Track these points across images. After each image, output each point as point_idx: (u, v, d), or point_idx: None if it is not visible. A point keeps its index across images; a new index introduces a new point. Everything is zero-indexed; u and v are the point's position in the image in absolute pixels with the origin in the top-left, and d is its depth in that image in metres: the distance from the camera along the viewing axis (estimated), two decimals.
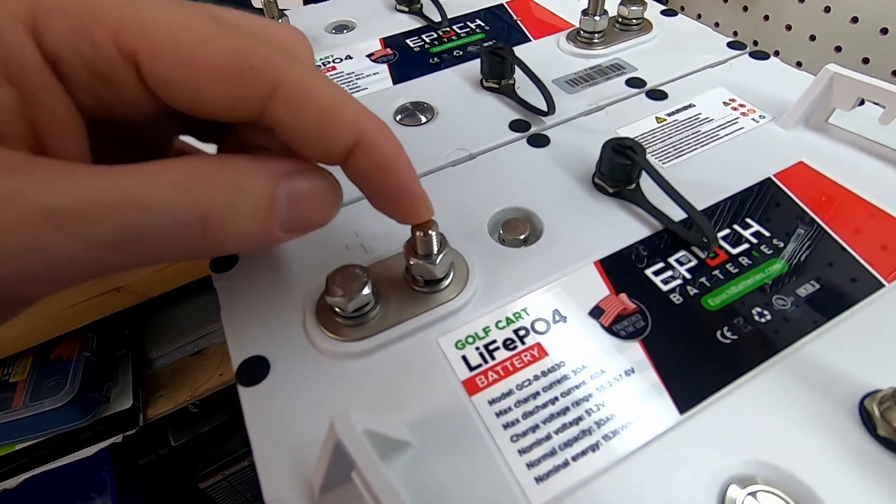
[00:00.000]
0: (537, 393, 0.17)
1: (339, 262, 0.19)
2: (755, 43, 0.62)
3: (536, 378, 0.18)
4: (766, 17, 0.61)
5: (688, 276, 0.20)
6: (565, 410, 0.17)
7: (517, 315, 0.19)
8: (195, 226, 0.11)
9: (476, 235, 0.22)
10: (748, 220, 0.22)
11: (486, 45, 0.30)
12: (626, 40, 0.33)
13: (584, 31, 0.33)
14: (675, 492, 0.15)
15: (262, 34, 0.14)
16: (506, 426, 0.17)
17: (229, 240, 0.12)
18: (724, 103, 0.28)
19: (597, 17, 0.32)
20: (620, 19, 0.34)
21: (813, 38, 0.57)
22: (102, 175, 0.11)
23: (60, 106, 0.11)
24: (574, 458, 0.16)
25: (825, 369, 0.17)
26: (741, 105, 0.28)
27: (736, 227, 0.22)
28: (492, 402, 0.17)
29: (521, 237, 0.23)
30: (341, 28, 0.38)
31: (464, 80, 0.32)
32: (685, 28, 0.35)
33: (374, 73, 0.33)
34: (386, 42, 0.36)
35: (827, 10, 0.55)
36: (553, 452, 0.16)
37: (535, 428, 0.17)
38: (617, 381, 0.17)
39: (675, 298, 0.20)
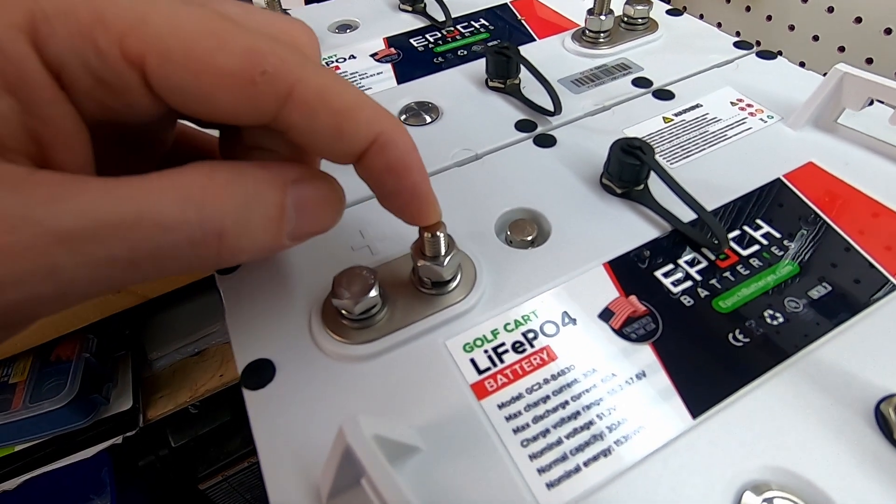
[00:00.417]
0: (547, 397, 0.17)
1: (344, 264, 0.19)
2: (758, 43, 0.62)
3: (546, 382, 0.17)
4: (769, 18, 0.61)
5: (698, 277, 0.20)
6: (576, 415, 0.17)
7: (526, 317, 0.19)
8: (211, 242, 0.11)
9: (483, 236, 0.22)
10: (758, 222, 0.22)
11: (491, 44, 0.30)
12: (632, 40, 0.33)
13: (590, 31, 0.32)
14: (690, 498, 0.15)
15: (271, 32, 0.13)
16: (516, 430, 0.16)
17: (243, 252, 0.12)
18: (732, 103, 0.28)
19: (602, 17, 0.31)
20: (626, 19, 0.33)
21: (816, 38, 0.57)
22: (112, 191, 0.10)
23: (64, 116, 0.11)
24: (586, 464, 0.16)
25: (840, 373, 0.17)
26: (749, 105, 0.28)
27: (746, 228, 0.22)
28: (501, 406, 0.17)
29: (529, 238, 0.22)
30: (345, 27, 0.38)
31: (468, 79, 0.31)
32: (691, 28, 0.34)
33: (378, 73, 0.33)
34: (390, 42, 0.35)
35: (830, 10, 0.55)
36: (564, 457, 0.16)
37: (545, 432, 0.16)
38: (628, 385, 0.17)
39: (686, 301, 0.19)
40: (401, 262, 0.21)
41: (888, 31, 0.50)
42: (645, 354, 0.18)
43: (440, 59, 0.34)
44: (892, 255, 0.20)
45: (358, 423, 0.14)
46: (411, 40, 0.36)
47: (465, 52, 0.34)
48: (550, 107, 0.28)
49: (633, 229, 0.22)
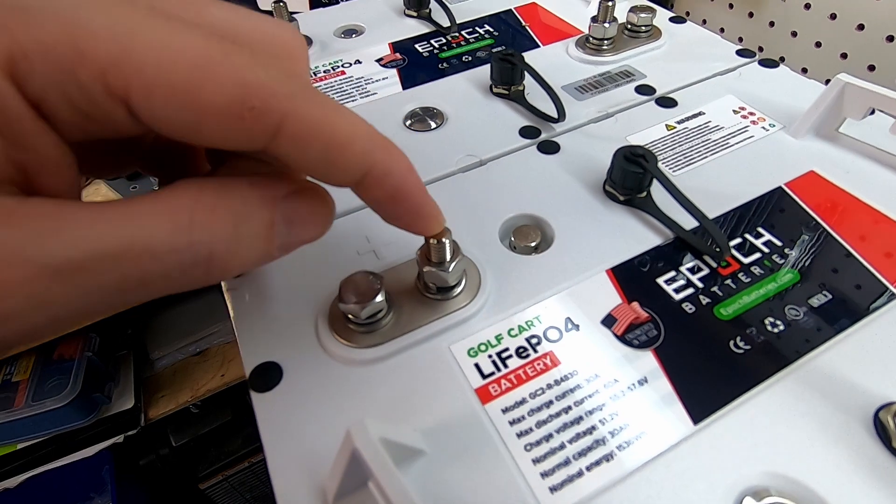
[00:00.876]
0: (551, 402, 0.17)
1: (350, 268, 0.19)
2: (760, 49, 0.63)
3: (549, 387, 0.18)
4: (772, 24, 0.61)
5: (700, 285, 0.20)
6: (579, 420, 0.17)
7: (529, 323, 0.19)
8: (200, 264, 0.11)
9: (487, 242, 0.22)
10: (760, 230, 0.22)
11: (496, 51, 0.30)
12: (635, 47, 0.33)
13: (594, 38, 0.33)
14: (692, 502, 0.15)
15: (262, 40, 0.13)
16: (519, 435, 0.17)
17: (233, 270, 0.12)
18: (734, 111, 0.28)
19: (606, 24, 0.32)
20: (629, 26, 0.34)
21: (819, 44, 0.57)
22: (102, 221, 0.10)
23: (47, 145, 0.11)
24: (588, 468, 0.16)
25: (839, 381, 0.17)
26: (751, 113, 0.28)
27: (747, 236, 0.22)
28: (505, 411, 0.17)
29: (533, 244, 0.23)
30: (350, 32, 0.38)
31: (473, 85, 0.32)
32: (694, 35, 0.35)
33: (383, 78, 0.33)
34: (395, 47, 0.36)
35: (833, 17, 0.55)
36: (567, 462, 0.16)
37: (548, 437, 0.16)
38: (630, 391, 0.17)
39: (688, 307, 0.20)
40: (406, 268, 0.21)
41: (890, 39, 0.50)
42: (647, 361, 0.18)
43: (445, 64, 0.34)
44: (892, 264, 0.21)
45: (365, 426, 0.14)
46: (416, 46, 0.36)
47: (470, 58, 0.34)
48: (554, 113, 0.28)
49: (635, 236, 0.22)
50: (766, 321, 0.19)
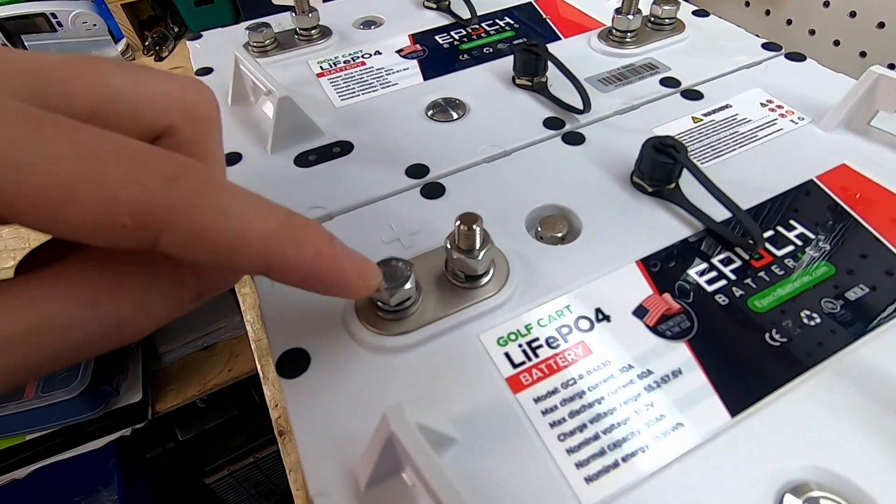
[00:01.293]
0: (583, 392, 0.17)
1: (375, 256, 0.19)
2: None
3: (581, 377, 0.17)
4: (789, 22, 0.61)
5: (732, 277, 0.20)
6: (612, 410, 0.17)
7: (559, 313, 0.19)
8: (109, 333, 0.11)
9: (514, 232, 0.22)
10: (791, 222, 0.22)
11: (519, 42, 0.30)
12: (659, 40, 0.33)
13: (617, 30, 0.32)
14: (730, 495, 0.15)
15: (165, 105, 0.12)
16: (552, 424, 0.16)
17: (144, 332, 0.12)
18: (762, 104, 0.28)
19: (630, 16, 0.31)
20: (653, 19, 0.33)
21: (837, 43, 0.56)
22: (3, 305, 0.10)
23: None
24: (624, 459, 0.15)
25: (879, 374, 0.17)
26: (779, 106, 0.28)
27: (780, 228, 0.22)
28: (537, 401, 0.17)
29: (559, 235, 0.22)
30: (369, 24, 0.38)
31: (495, 77, 0.31)
32: (718, 29, 0.34)
33: (403, 69, 0.33)
34: (415, 38, 0.36)
35: (853, 14, 0.54)
36: (602, 452, 0.16)
37: (582, 427, 0.16)
38: (664, 382, 0.17)
39: (721, 299, 0.19)
40: (434, 256, 0.21)
41: None
42: (680, 352, 0.18)
43: (465, 56, 0.34)
44: None
45: (403, 411, 0.14)
46: (436, 37, 0.36)
47: (491, 50, 0.34)
48: (578, 105, 0.27)
49: (664, 228, 0.22)
50: (802, 314, 0.19)
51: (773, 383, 0.17)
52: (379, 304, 0.18)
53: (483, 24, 0.37)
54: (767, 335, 0.18)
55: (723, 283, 0.20)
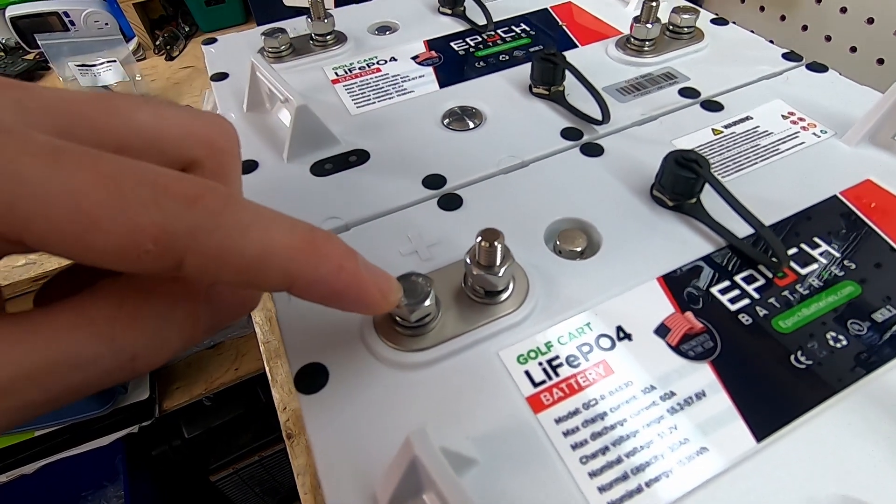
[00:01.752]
0: (605, 413, 0.17)
1: (394, 269, 0.18)
2: None
3: (603, 397, 0.17)
4: (805, 28, 0.60)
5: (756, 295, 0.20)
6: (635, 433, 0.16)
7: (580, 330, 0.19)
8: (124, 366, 0.11)
9: (532, 246, 0.22)
10: (815, 240, 0.22)
11: (534, 50, 0.30)
12: (677, 49, 0.32)
13: (636, 39, 0.32)
14: None
15: (187, 141, 0.12)
16: (574, 447, 0.16)
17: (157, 364, 0.12)
18: (783, 116, 0.27)
19: (649, 25, 0.31)
20: (671, 27, 0.33)
21: (854, 49, 0.56)
22: (22, 339, 0.10)
23: None
24: (647, 484, 0.15)
25: None
26: (801, 119, 0.27)
27: (804, 246, 0.21)
28: (559, 421, 0.17)
29: (579, 249, 0.22)
30: (384, 29, 0.38)
31: (511, 85, 0.31)
32: (737, 38, 0.34)
33: (419, 76, 0.32)
34: (430, 45, 0.35)
35: (870, 21, 0.54)
36: (625, 477, 0.15)
37: (605, 450, 0.16)
38: (688, 405, 0.17)
39: (744, 319, 0.19)
40: (452, 269, 0.21)
41: None
42: (704, 373, 0.18)
43: (481, 63, 0.33)
44: None
45: (427, 434, 0.13)
46: (452, 44, 0.35)
47: (507, 58, 0.34)
48: (596, 115, 0.27)
49: (685, 243, 0.22)
50: (828, 335, 0.18)
51: (799, 408, 0.17)
52: (398, 319, 0.18)
53: (499, 31, 0.36)
54: (793, 357, 0.18)
55: (746, 301, 0.20)
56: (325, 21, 0.34)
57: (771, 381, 0.17)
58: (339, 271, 0.13)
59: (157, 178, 0.10)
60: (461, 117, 0.29)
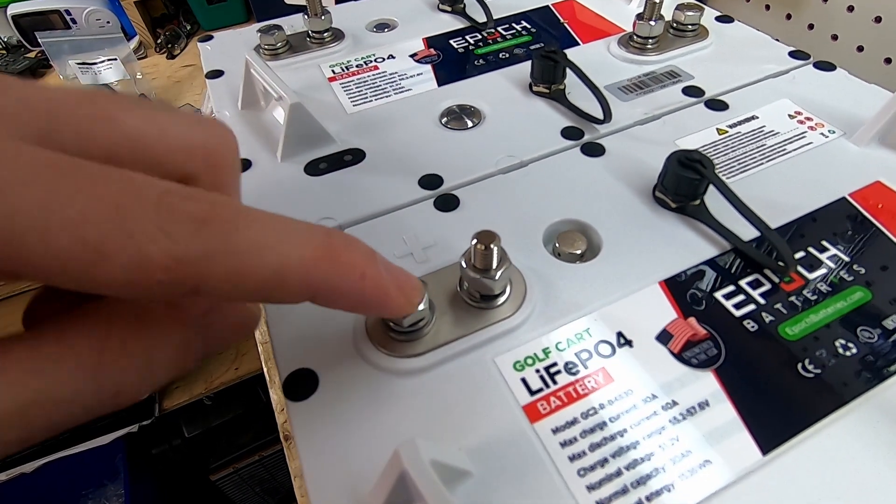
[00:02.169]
0: (604, 423, 0.16)
1: None
2: None
3: (602, 406, 0.17)
4: (811, 26, 0.59)
5: (762, 301, 0.19)
6: (635, 444, 0.16)
7: (579, 336, 0.18)
8: (107, 402, 0.10)
9: (530, 248, 0.21)
10: (823, 243, 0.21)
11: (535, 48, 0.29)
12: (681, 47, 0.32)
13: (638, 37, 0.31)
14: None
15: (187, 152, 0.11)
16: (572, 458, 0.16)
17: (141, 396, 0.11)
18: (790, 116, 0.27)
19: (652, 22, 0.30)
20: (675, 24, 0.32)
21: (861, 48, 0.55)
22: (3, 376, 0.09)
23: None
24: (648, 499, 0.15)
25: None
26: (808, 118, 0.26)
27: (811, 249, 0.21)
28: (556, 431, 0.16)
29: (578, 252, 0.21)
30: (382, 27, 0.37)
31: (511, 83, 0.31)
32: (743, 35, 0.33)
33: (417, 74, 0.32)
34: (429, 42, 0.35)
35: (878, 20, 0.53)
36: (625, 490, 0.15)
37: (603, 462, 0.15)
38: (691, 415, 0.16)
39: (750, 325, 0.18)
40: (447, 273, 0.20)
41: None
42: (707, 382, 0.17)
43: (481, 61, 0.33)
44: None
45: (416, 447, 0.13)
46: (451, 41, 0.35)
47: (507, 55, 0.33)
48: (597, 114, 0.27)
49: (689, 246, 0.21)
50: (837, 343, 0.18)
51: (806, 418, 0.16)
52: (391, 324, 0.18)
53: (499, 29, 0.36)
54: (800, 365, 0.17)
55: (751, 307, 0.19)
56: (323, 18, 0.33)
57: (777, 390, 0.17)
58: (361, 280, 0.12)
59: (161, 196, 0.09)
60: (459, 116, 0.28)
